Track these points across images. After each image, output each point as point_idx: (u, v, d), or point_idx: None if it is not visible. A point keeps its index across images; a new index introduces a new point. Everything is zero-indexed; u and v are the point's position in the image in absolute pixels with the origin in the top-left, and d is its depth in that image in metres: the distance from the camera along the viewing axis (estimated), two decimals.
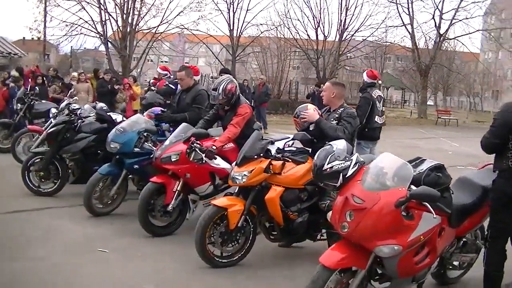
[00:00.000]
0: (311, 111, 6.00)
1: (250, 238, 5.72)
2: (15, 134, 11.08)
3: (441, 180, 4.26)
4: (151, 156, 6.94)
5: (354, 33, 32.73)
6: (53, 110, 9.83)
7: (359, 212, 3.92)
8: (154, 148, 6.96)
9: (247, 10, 31.54)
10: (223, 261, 5.64)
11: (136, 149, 7.17)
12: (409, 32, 34.92)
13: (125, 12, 25.11)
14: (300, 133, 5.71)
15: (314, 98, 21.26)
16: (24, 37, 49.73)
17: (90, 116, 8.55)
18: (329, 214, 4.41)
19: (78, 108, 8.65)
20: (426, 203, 3.84)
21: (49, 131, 8.37)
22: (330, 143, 4.49)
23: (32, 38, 41.44)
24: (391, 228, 3.87)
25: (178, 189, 6.41)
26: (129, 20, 25.13)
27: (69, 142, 8.16)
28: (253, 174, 5.44)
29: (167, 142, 6.56)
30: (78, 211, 7.47)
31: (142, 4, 25.78)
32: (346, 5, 32.41)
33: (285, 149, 5.84)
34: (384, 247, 3.86)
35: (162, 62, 36.40)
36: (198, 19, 27.88)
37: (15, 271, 5.34)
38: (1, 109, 14.78)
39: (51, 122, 9.78)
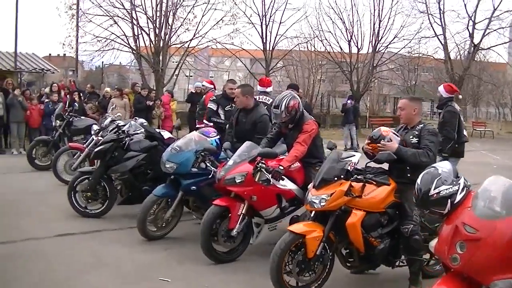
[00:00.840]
0: (388, 141, 5.31)
1: (328, 267, 5.22)
2: (56, 152, 10.76)
3: None
4: (210, 176, 6.53)
5: (388, 45, 32.16)
6: (95, 127, 9.55)
7: (473, 243, 3.50)
8: (213, 168, 6.54)
9: (280, 23, 31.18)
10: None
11: (194, 169, 6.71)
12: (441, 43, 34.22)
13: (157, 26, 24.91)
14: (385, 153, 5.15)
15: (349, 112, 20.73)
16: (50, 54, 50.19)
17: (137, 133, 8.18)
18: (432, 243, 3.95)
19: (124, 125, 8.30)
20: None
21: (97, 149, 7.95)
22: (434, 165, 4.01)
23: (58, 55, 41.70)
24: (509, 260, 3.42)
25: (243, 212, 5.94)
26: (162, 35, 24.90)
27: (117, 161, 7.76)
28: (333, 198, 4.95)
29: (230, 162, 6.07)
30: (129, 234, 7.09)
31: (175, 18, 25.52)
32: (379, 16, 31.90)
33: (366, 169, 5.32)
34: (500, 282, 3.42)
35: (186, 76, 36.25)
36: (232, 32, 27.42)
37: None
38: (37, 125, 14.64)
39: (92, 139, 9.50)
